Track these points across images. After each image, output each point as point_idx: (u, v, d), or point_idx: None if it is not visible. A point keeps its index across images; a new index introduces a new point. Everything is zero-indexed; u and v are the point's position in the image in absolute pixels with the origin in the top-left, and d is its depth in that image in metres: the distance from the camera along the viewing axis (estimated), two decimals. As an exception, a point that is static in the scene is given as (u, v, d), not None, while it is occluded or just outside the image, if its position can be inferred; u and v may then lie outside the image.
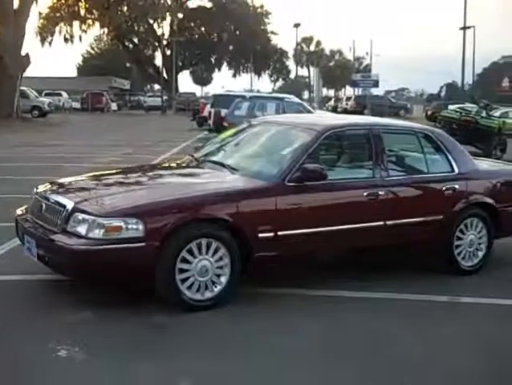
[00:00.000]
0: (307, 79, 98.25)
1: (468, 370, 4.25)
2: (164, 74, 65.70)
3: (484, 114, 15.55)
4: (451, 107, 40.35)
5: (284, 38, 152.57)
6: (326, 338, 4.71)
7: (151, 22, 64.60)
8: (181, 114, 52.11)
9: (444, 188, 6.23)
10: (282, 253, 5.39)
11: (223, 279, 5.15)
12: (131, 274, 4.93)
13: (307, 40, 79.37)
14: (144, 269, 4.88)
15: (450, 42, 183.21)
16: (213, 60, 73.37)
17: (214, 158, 6.16)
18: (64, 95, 54.47)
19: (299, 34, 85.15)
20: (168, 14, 62.42)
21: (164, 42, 65.72)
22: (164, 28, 65.91)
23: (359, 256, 6.00)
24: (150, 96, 63.87)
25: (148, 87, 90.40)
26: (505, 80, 53.09)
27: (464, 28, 51.68)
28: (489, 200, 6.49)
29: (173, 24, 65.96)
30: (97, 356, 4.21)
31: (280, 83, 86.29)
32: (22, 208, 5.87)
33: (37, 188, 5.80)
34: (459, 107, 17.98)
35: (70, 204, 5.03)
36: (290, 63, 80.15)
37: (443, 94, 62.58)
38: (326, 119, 7.26)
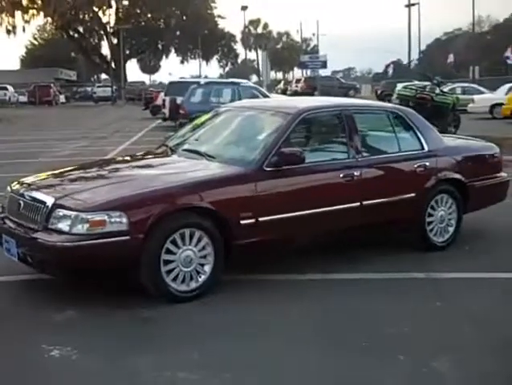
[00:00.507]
0: (254, 63, 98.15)
1: (459, 342, 4.37)
2: (112, 64, 64.78)
3: (438, 91, 15.85)
4: (399, 85, 40.98)
5: (232, 22, 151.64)
6: (321, 321, 4.76)
7: (96, 9, 63.43)
8: (132, 104, 51.53)
9: (415, 166, 6.34)
10: (264, 239, 5.42)
11: (207, 268, 5.16)
12: (115, 269, 4.91)
13: (255, 23, 79.21)
14: (129, 262, 4.85)
15: (396, 19, 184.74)
16: (160, 47, 72.52)
17: (189, 146, 6.14)
18: (10, 88, 53.18)
19: (247, 17, 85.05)
20: (113, 1, 61.43)
21: (111, 31, 64.73)
22: (109, 16, 64.88)
23: (336, 238, 6.06)
24: (99, 87, 62.80)
25: (95, 77, 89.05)
26: (451, 56, 53.79)
27: (409, 5, 52.29)
28: (458, 176, 6.64)
29: (119, 11, 65.07)
30: (90, 354, 4.18)
31: (228, 67, 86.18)
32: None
33: (10, 186, 5.70)
34: (409, 85, 18.17)
35: (50, 201, 4.96)
36: (239, 47, 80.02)
37: (390, 72, 63.20)
38: (296, 102, 7.29)
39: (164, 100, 23.10)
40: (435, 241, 6.53)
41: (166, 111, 22.43)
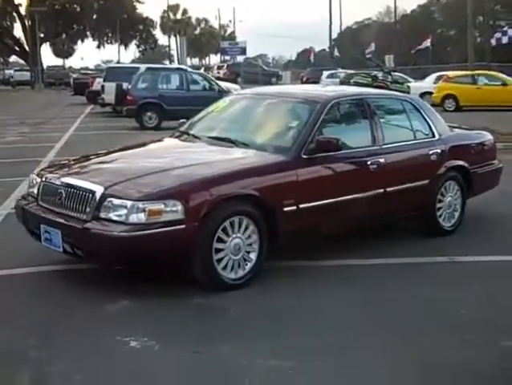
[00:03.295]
0: (167, 49, 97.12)
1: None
2: (26, 47, 62.47)
3: (389, 79, 16.26)
4: (325, 72, 41.65)
5: (151, 7, 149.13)
6: (379, 307, 4.86)
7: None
8: (52, 88, 50.03)
9: (430, 153, 6.54)
10: (305, 226, 5.49)
11: (253, 256, 5.17)
12: (170, 258, 4.85)
13: (174, 8, 78.21)
14: (184, 252, 4.81)
15: (309, 8, 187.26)
16: (76, 31, 70.43)
17: (216, 134, 6.07)
18: None
19: (166, 2, 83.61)
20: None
21: (24, 13, 62.33)
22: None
23: (364, 224, 6.19)
24: (17, 70, 60.44)
25: (2, 59, 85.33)
26: (372, 45, 54.99)
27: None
28: (463, 163, 6.89)
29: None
30: (171, 344, 4.12)
31: (138, 53, 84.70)
32: (21, 194, 5.57)
33: (40, 174, 5.50)
34: (361, 73, 18.46)
35: (99, 189, 4.82)
36: (158, 33, 78.88)
37: (312, 60, 64.05)
38: (319, 90, 7.33)
39: (102, 86, 22.54)
40: (444, 225, 6.76)
41: (106, 96, 21.90)
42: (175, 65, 29.50)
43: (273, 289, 5.11)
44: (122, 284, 5.15)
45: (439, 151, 6.61)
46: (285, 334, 4.32)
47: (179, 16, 78.94)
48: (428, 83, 28.11)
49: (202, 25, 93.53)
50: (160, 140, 6.51)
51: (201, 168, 5.20)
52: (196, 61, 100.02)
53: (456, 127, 7.39)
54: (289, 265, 5.65)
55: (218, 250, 4.94)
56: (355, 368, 3.87)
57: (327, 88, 8.12)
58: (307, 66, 66.16)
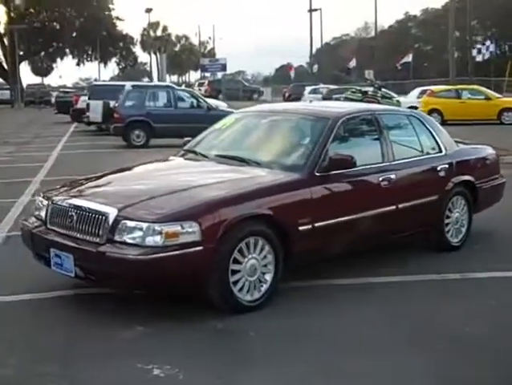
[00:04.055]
0: (146, 66, 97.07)
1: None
2: (4, 65, 62.07)
3: (379, 94, 16.31)
4: (308, 88, 41.81)
5: (131, 25, 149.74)
6: (393, 325, 4.78)
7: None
8: (32, 107, 49.65)
9: (438, 169, 6.50)
10: (321, 246, 5.40)
11: (268, 277, 5.07)
12: (186, 281, 4.72)
13: (154, 25, 78.36)
14: (200, 274, 4.69)
15: (288, 25, 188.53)
16: (55, 49, 70.09)
17: (225, 152, 5.97)
18: None
19: (146, 19, 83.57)
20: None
21: (2, 31, 62.00)
22: (0, 16, 62.07)
23: (377, 242, 6.11)
24: (-3, 89, 59.93)
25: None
26: (353, 60, 55.43)
27: (310, 10, 53.43)
28: (470, 178, 6.86)
29: (10, 11, 62.37)
30: (195, 372, 3.97)
31: (117, 71, 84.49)
32: (30, 217, 5.42)
33: (47, 196, 5.35)
34: (353, 89, 18.57)
35: (112, 211, 4.69)
36: (138, 50, 78.79)
37: (293, 76, 64.36)
38: (328, 106, 7.25)
39: (87, 104, 22.35)
40: (451, 241, 6.71)
41: (92, 114, 21.71)
42: (162, 82, 29.28)
43: (287, 311, 5.01)
44: (134, 309, 5.00)
45: (447, 166, 6.58)
46: (307, 357, 4.20)
47: (159, 33, 79.07)
48: (412, 98, 28.29)
49: (182, 41, 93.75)
50: (166, 160, 6.39)
51: (214, 187, 5.09)
52: (175, 78, 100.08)
53: (459, 142, 7.35)
54: (298, 286, 5.53)
55: (234, 272, 4.83)
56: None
57: (335, 105, 8.08)
58: (286, 82, 66.45)
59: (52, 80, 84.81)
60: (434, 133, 6.72)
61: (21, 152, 17.33)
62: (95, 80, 56.48)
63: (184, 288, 4.82)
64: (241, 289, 4.88)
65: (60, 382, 3.85)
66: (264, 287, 5.04)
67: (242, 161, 5.68)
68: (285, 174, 5.38)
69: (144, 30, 79.10)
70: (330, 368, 4.05)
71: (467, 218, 6.89)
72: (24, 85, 60.94)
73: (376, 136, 6.10)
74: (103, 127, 21.34)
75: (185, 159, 6.22)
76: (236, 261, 4.83)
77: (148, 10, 69.90)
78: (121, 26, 72.57)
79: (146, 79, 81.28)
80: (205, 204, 4.78)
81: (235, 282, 4.84)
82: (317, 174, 5.40)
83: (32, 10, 64.66)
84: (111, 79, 79.74)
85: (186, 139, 6.79)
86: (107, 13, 68.53)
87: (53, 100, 45.45)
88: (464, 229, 6.86)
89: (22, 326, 4.77)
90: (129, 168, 6.18)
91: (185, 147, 6.51)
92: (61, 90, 49.90)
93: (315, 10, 53.54)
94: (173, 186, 5.17)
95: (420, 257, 6.49)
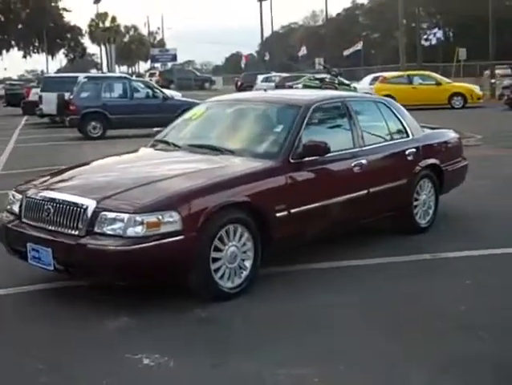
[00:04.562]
0: (94, 57, 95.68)
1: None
2: None
3: (337, 81, 16.44)
4: (260, 76, 41.82)
5: (79, 15, 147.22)
6: (377, 306, 4.86)
7: None
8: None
9: (406, 153, 6.62)
10: (297, 231, 5.46)
11: (247, 263, 5.10)
12: (168, 270, 4.72)
13: (102, 16, 77.00)
14: (182, 263, 4.70)
15: (235, 14, 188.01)
16: (0, 41, 68.40)
17: (198, 142, 5.96)
18: None
19: (93, 10, 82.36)
20: None
21: None
22: None
23: (350, 227, 6.20)
24: None
25: None
26: (303, 49, 55.61)
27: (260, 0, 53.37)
28: (436, 161, 7.01)
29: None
30: (184, 359, 3.98)
31: (64, 62, 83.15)
32: (2, 212, 5.33)
33: (20, 190, 5.27)
34: (311, 77, 18.63)
35: (90, 203, 4.65)
36: (86, 41, 77.46)
37: (243, 65, 64.29)
38: (297, 94, 7.28)
39: (40, 96, 21.94)
40: (420, 223, 6.86)
41: (45, 107, 21.33)
42: (115, 74, 28.90)
43: (269, 297, 5.06)
44: (116, 300, 4.97)
45: (414, 150, 6.70)
46: (294, 341, 4.26)
47: (108, 24, 77.84)
48: (364, 84, 28.58)
49: (131, 32, 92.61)
50: (137, 150, 6.34)
51: (192, 177, 5.09)
52: (124, 68, 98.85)
53: (424, 127, 7.49)
54: (276, 272, 5.58)
55: (215, 260, 4.85)
56: (372, 371, 3.85)
57: (301, 92, 8.13)
58: (237, 71, 66.27)
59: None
60: (401, 118, 6.84)
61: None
62: (42, 72, 55.31)
63: (165, 277, 4.81)
64: (222, 277, 4.91)
65: (52, 376, 3.82)
66: (244, 274, 5.07)
67: (216, 150, 5.68)
68: (260, 162, 5.41)
69: (93, 20, 77.75)
70: (316, 350, 4.11)
71: (434, 200, 7.05)
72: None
73: (347, 122, 6.17)
74: (57, 119, 21.00)
75: (157, 149, 6.19)
76: (216, 249, 4.85)
77: (97, 1, 68.80)
78: (68, 17, 71.41)
79: (94, 70, 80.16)
80: (185, 194, 4.78)
81: (216, 270, 4.86)
82: (292, 161, 5.44)
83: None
84: (58, 70, 78.35)
85: (156, 129, 6.73)
86: (53, 4, 67.20)
87: (0, 93, 44.50)
88: (431, 211, 7.01)
89: (4, 321, 4.70)
90: (101, 160, 6.11)
91: (156, 138, 6.46)
92: (7, 82, 48.82)
93: (265, -2, 53.53)
94: (149, 177, 5.14)
95: (390, 239, 6.61)
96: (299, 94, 7.24)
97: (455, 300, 4.94)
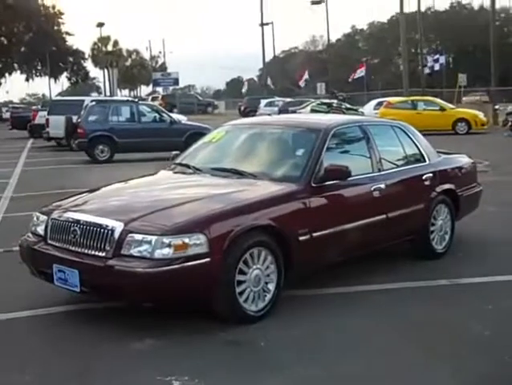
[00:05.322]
0: (94, 80, 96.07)
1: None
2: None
3: (344, 106, 16.57)
4: (263, 101, 42.08)
5: (82, 39, 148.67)
6: (390, 331, 4.88)
7: None
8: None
9: (423, 178, 6.67)
10: (318, 255, 5.50)
11: (271, 286, 5.13)
12: (194, 293, 4.75)
13: (104, 40, 77.65)
14: (207, 285, 4.73)
15: (238, 39, 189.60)
16: (3, 64, 68.73)
17: (220, 165, 6.01)
18: None
19: (96, 34, 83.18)
20: None
21: None
22: None
23: (369, 251, 6.23)
24: None
25: None
26: (306, 73, 55.86)
27: (262, 25, 53.83)
28: (452, 187, 7.05)
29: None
30: (212, 382, 4.01)
31: (65, 86, 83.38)
32: (27, 234, 5.37)
33: (46, 212, 5.31)
34: (318, 102, 18.78)
35: (118, 225, 4.70)
36: (89, 65, 77.94)
37: (245, 89, 64.64)
38: (317, 118, 7.35)
39: (47, 119, 22.07)
40: (436, 248, 6.88)
41: (52, 130, 21.45)
42: (122, 97, 29.06)
43: (289, 320, 5.07)
44: (140, 322, 4.99)
45: (431, 175, 6.75)
46: (320, 362, 4.28)
47: (110, 48, 78.47)
48: (368, 109, 28.73)
49: (133, 56, 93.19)
50: (157, 173, 6.38)
51: (216, 200, 5.13)
52: (126, 92, 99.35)
53: (439, 152, 7.55)
54: (293, 295, 5.57)
55: (240, 283, 4.88)
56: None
57: (322, 116, 8.19)
58: (238, 95, 66.63)
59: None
60: (417, 143, 6.91)
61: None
62: (43, 96, 55.51)
63: (191, 299, 4.83)
64: (246, 300, 4.93)
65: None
66: (268, 297, 5.10)
67: (238, 173, 5.73)
68: (282, 185, 5.45)
69: (95, 44, 78.34)
70: (343, 373, 4.13)
71: (450, 226, 7.07)
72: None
73: (365, 146, 6.23)
74: (63, 142, 21.09)
75: (177, 172, 6.23)
76: (241, 272, 4.88)
77: (100, 25, 69.55)
78: (71, 41, 71.77)
79: (95, 94, 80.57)
80: (211, 217, 4.82)
81: (240, 293, 4.89)
82: (313, 185, 5.49)
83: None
84: (59, 94, 78.80)
85: (174, 152, 6.79)
86: (56, 28, 67.67)
87: (4, 116, 44.73)
88: (447, 237, 7.03)
89: (31, 344, 4.71)
90: (123, 182, 6.16)
91: (176, 161, 6.51)
92: (10, 105, 49.15)
93: (267, 24, 54.06)
94: (174, 199, 5.19)
95: (407, 264, 6.63)
96: (317, 118, 7.31)
97: (478, 325, 4.96)
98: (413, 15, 47.03)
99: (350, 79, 47.77)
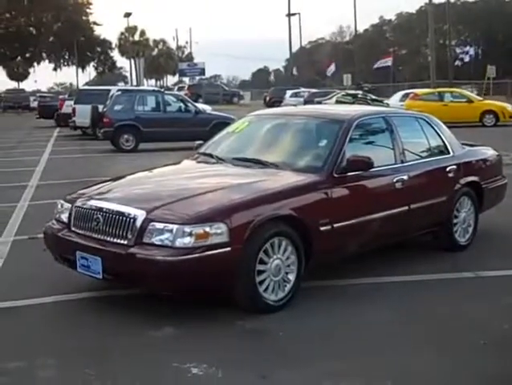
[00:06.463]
0: (120, 70, 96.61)
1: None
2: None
3: (369, 97, 16.48)
4: (289, 92, 41.98)
5: (109, 29, 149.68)
6: (420, 323, 4.86)
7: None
8: (12, 112, 49.30)
9: (447, 170, 6.62)
10: (339, 245, 5.49)
11: (291, 277, 5.13)
12: (214, 282, 4.77)
13: (132, 29, 78.04)
14: (228, 274, 4.74)
15: (262, 29, 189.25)
16: (31, 54, 69.48)
17: (243, 155, 6.01)
18: None
19: (123, 24, 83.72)
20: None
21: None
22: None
23: (390, 242, 6.22)
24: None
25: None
26: (332, 66, 55.63)
27: (289, 15, 53.64)
28: (476, 179, 6.99)
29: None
30: (233, 370, 4.03)
31: (92, 75, 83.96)
32: (51, 221, 5.45)
33: (70, 200, 5.38)
34: (343, 93, 18.67)
35: (140, 213, 4.74)
36: (116, 54, 78.43)
37: (272, 79, 64.51)
38: (341, 109, 7.33)
39: (73, 109, 22.27)
40: (459, 241, 6.83)
41: (78, 119, 21.65)
42: (148, 87, 29.22)
43: (307, 310, 5.07)
44: (159, 310, 5.03)
45: (455, 167, 6.70)
46: (339, 354, 4.29)
47: (137, 37, 78.86)
48: (394, 101, 28.49)
49: (160, 46, 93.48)
50: (180, 162, 6.42)
51: (238, 190, 5.15)
52: (152, 82, 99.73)
53: (464, 144, 7.49)
54: (313, 286, 5.56)
55: (260, 272, 4.89)
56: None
57: (346, 107, 8.17)
58: (264, 85, 66.49)
59: (27, 85, 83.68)
60: (442, 135, 6.85)
61: (9, 157, 17.18)
62: (71, 85, 56.00)
63: (211, 288, 4.86)
64: (266, 290, 4.94)
65: (104, 380, 3.88)
66: (288, 287, 5.11)
67: (260, 163, 5.73)
68: (304, 176, 5.45)
69: (122, 34, 78.78)
70: (362, 365, 4.12)
71: (473, 218, 7.02)
72: (1, 90, 60.44)
73: (389, 138, 6.20)
74: (89, 131, 21.27)
75: (200, 162, 6.25)
76: (262, 262, 4.89)
77: (127, 15, 69.79)
78: (99, 31, 72.34)
79: (121, 84, 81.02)
80: (232, 206, 4.84)
81: (261, 282, 4.90)
82: (335, 175, 5.48)
83: (8, 15, 64.00)
84: (86, 83, 79.35)
85: (198, 142, 6.81)
86: (84, 18, 68.17)
87: (32, 105, 45.19)
88: (471, 229, 6.98)
89: (54, 328, 4.79)
90: (147, 171, 6.20)
91: (200, 151, 6.54)
92: (38, 95, 49.64)
93: (294, 14, 53.85)
94: (196, 188, 5.21)
95: (429, 256, 6.59)
96: (341, 109, 7.28)
97: (498, 319, 4.92)
98: (442, 6, 46.53)
99: (374, 67, 47.36)
